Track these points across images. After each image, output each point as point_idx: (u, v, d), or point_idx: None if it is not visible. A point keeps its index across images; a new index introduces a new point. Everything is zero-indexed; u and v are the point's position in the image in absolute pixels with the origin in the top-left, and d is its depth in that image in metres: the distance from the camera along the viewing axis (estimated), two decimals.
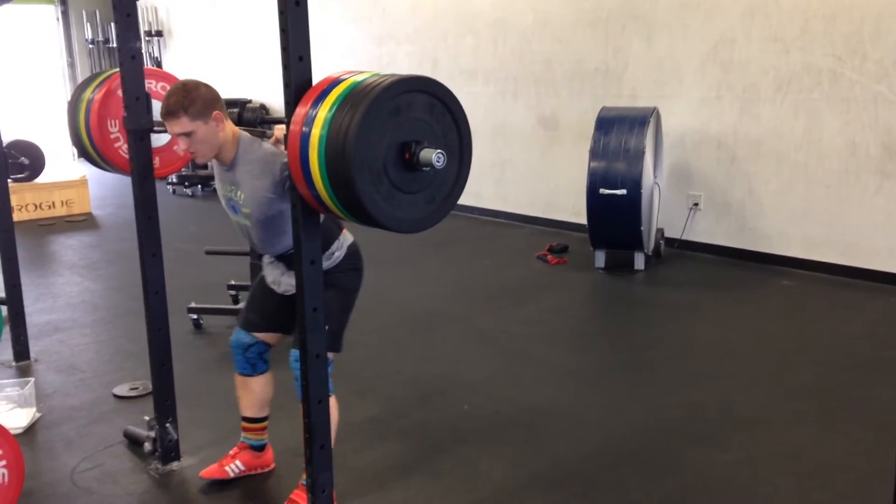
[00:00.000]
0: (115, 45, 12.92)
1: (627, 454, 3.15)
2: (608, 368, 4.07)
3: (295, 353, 2.59)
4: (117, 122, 3.04)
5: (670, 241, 6.16)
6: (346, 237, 2.77)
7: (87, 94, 3.06)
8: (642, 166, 5.37)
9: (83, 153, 3.22)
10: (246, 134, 2.66)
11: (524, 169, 7.30)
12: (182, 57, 12.15)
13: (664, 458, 3.11)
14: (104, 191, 9.83)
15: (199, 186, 9.81)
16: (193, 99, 2.50)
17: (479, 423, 3.40)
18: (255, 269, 4.88)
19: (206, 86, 2.57)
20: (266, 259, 2.86)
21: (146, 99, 2.82)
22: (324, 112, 1.96)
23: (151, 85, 3.03)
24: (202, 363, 4.20)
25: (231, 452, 3.02)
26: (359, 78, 2.02)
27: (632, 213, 5.40)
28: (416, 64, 7.94)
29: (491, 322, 4.76)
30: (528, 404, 3.61)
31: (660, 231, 5.99)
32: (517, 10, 7.08)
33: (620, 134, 5.47)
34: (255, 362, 2.88)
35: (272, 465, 3.09)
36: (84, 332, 4.72)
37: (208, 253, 5.29)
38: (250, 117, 4.78)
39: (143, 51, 12.24)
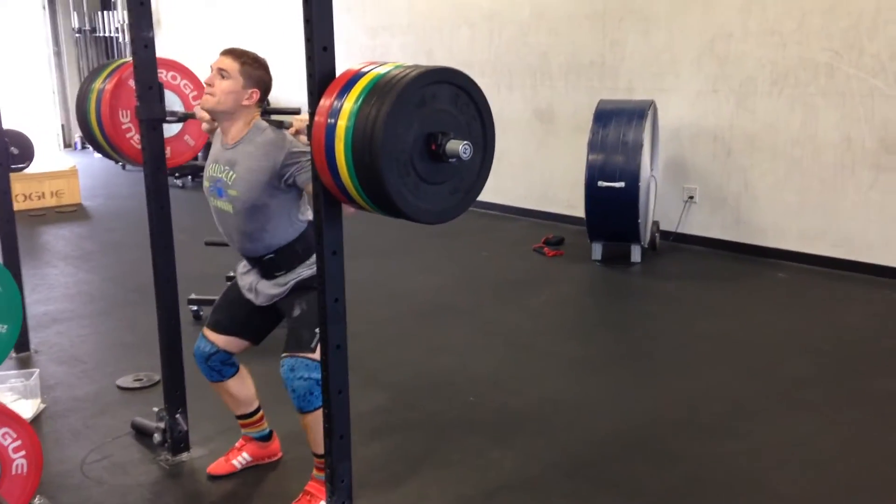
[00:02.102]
0: (101, 34, 12.78)
1: (635, 444, 3.18)
2: (611, 359, 4.10)
3: (289, 362, 2.57)
4: (129, 112, 3.02)
5: (665, 234, 6.20)
6: None
7: (98, 84, 3.04)
8: (640, 159, 5.40)
9: (93, 143, 3.19)
10: (262, 121, 2.64)
11: (519, 161, 7.32)
12: (175, 48, 12.05)
13: (671, 448, 3.14)
14: (93, 181, 9.75)
15: (190, 178, 9.75)
16: (256, 66, 2.57)
17: (487, 414, 3.42)
18: None
19: (271, 76, 2.63)
20: (240, 268, 2.81)
21: (159, 89, 2.80)
22: (349, 104, 1.94)
23: (163, 74, 3.01)
24: None
25: (237, 445, 3.03)
26: (382, 70, 2.01)
27: (630, 206, 5.43)
28: (410, 55, 7.92)
29: (493, 313, 4.77)
30: (536, 395, 3.63)
31: (655, 224, 6.03)
32: (513, 2, 7.09)
33: (619, 127, 5.49)
34: (219, 369, 2.84)
35: (279, 455, 3.10)
36: (83, 323, 4.70)
37: (208, 244, 5.26)
38: None
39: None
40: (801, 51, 5.42)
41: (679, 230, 6.21)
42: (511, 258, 6.06)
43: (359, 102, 1.93)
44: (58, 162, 9.23)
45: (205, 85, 2.57)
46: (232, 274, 5.03)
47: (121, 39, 12.25)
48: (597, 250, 5.82)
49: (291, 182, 2.54)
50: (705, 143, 6.03)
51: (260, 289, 2.71)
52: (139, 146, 2.89)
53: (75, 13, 12.52)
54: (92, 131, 3.08)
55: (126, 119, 3.02)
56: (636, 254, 5.74)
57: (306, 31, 2.10)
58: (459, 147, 1.92)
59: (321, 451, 2.48)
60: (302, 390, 2.57)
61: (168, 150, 3.04)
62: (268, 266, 2.66)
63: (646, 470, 2.98)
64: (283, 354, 2.59)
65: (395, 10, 8.09)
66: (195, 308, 4.66)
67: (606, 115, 5.60)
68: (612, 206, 5.49)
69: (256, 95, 2.58)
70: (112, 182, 9.81)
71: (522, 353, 4.16)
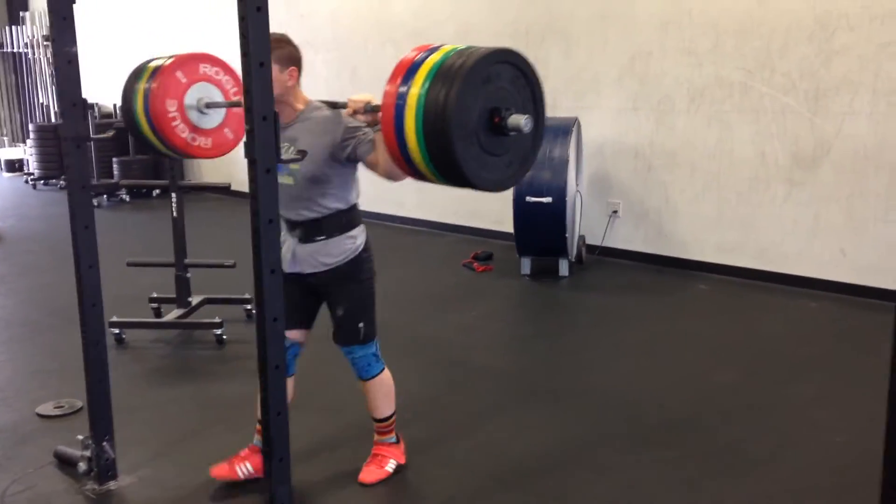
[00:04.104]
0: (9, 49, 12.29)
1: (568, 456, 3.21)
2: (544, 373, 4.14)
3: (345, 349, 2.89)
4: (175, 102, 3.12)
5: (591, 248, 6.32)
6: (364, 227, 2.90)
7: (142, 84, 3.14)
8: (567, 175, 5.50)
9: (139, 138, 3.27)
10: (317, 101, 2.79)
11: None
12: (84, 62, 11.70)
13: (604, 459, 3.18)
14: (3, 202, 9.37)
15: (105, 196, 9.46)
16: (282, 46, 2.67)
17: (419, 430, 3.39)
18: (181, 280, 4.76)
19: (297, 47, 2.76)
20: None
21: (83, 105, 2.72)
22: (416, 88, 2.02)
23: (207, 69, 3.16)
24: (129, 379, 4.04)
25: (242, 454, 3.02)
26: (446, 50, 2.08)
27: (557, 221, 5.52)
28: (334, 72, 7.90)
29: (426, 330, 4.77)
30: (468, 410, 3.64)
31: (582, 238, 6.14)
32: (438, 21, 7.14)
33: (545, 143, 5.52)
34: (290, 363, 2.92)
35: None
36: None
37: (130, 265, 5.11)
38: None
39: (41, 56, 11.73)
40: (716, 69, 5.63)
41: (604, 244, 6.34)
42: (440, 274, 6.07)
43: (427, 83, 2.01)
44: None
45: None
46: (155, 295, 4.94)
47: (30, 55, 11.82)
48: (525, 265, 5.89)
49: (353, 156, 2.70)
50: (627, 158, 6.18)
51: (299, 254, 2.82)
52: (184, 136, 3.09)
53: None
54: (139, 126, 3.16)
55: (173, 109, 3.13)
56: (564, 268, 5.83)
57: (242, 45, 2.08)
58: (522, 120, 2.03)
59: (379, 415, 2.99)
60: (361, 363, 2.90)
61: (209, 141, 3.17)
62: (310, 228, 2.79)
63: (580, 482, 3.01)
64: (338, 345, 2.91)
65: (320, 25, 8.05)
66: (117, 331, 4.50)
67: None
68: (540, 220, 5.57)
69: (295, 72, 2.73)
70: (23, 203, 9.43)
71: (453, 368, 4.17)
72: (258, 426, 2.94)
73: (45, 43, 11.67)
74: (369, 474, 2.98)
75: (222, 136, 3.26)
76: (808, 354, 4.29)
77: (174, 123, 3.10)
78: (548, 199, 5.50)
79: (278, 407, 2.29)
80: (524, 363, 4.30)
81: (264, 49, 2.09)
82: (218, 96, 3.20)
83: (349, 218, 2.82)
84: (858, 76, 5.01)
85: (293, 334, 2.86)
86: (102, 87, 11.12)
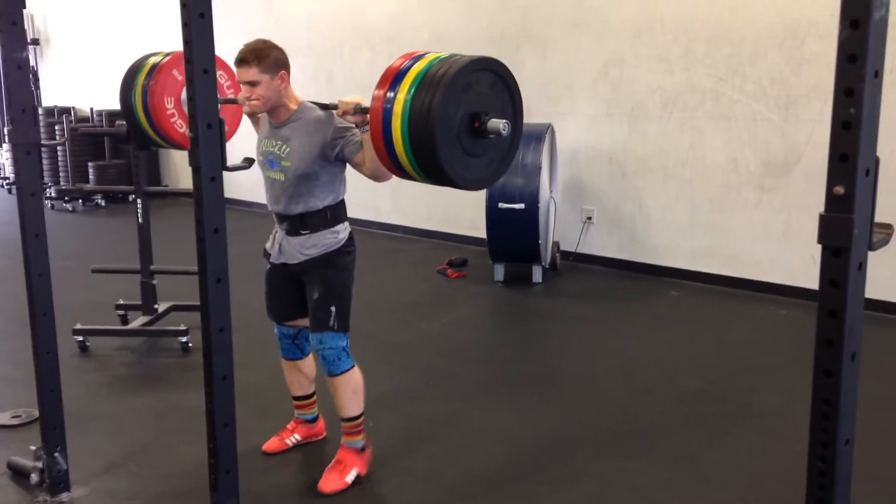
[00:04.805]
0: None
1: (534, 465, 3.19)
2: (512, 381, 4.12)
3: (316, 336, 2.92)
4: (173, 98, 3.29)
5: (566, 254, 6.31)
6: (348, 224, 3.02)
7: (140, 81, 3.35)
8: (539, 181, 5.48)
9: (138, 133, 3.45)
10: (309, 102, 2.90)
11: (422, 183, 7.31)
12: (59, 66, 11.60)
13: (570, 468, 3.16)
14: None
15: (80, 201, 9.38)
16: (267, 54, 2.77)
17: (384, 439, 3.36)
18: (147, 287, 4.70)
19: (281, 49, 2.84)
20: (269, 241, 3.07)
21: (33, 112, 2.67)
22: (403, 93, 2.15)
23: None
24: (90, 387, 3.99)
25: (288, 427, 3.33)
26: (430, 59, 2.19)
27: (530, 227, 5.51)
28: (310, 76, 7.86)
29: (394, 337, 4.74)
30: (436, 419, 3.61)
31: (556, 244, 6.13)
32: (413, 26, 7.13)
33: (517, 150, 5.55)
34: (302, 346, 3.20)
35: (325, 434, 3.39)
36: None
37: (95, 271, 5.05)
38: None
39: None
40: (688, 77, 5.63)
41: (579, 250, 6.33)
42: (414, 280, 6.04)
43: (412, 90, 2.13)
44: None
45: (243, 100, 2.85)
46: (122, 302, 4.88)
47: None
48: (499, 271, 5.87)
49: (341, 156, 2.82)
50: (601, 164, 6.18)
51: (285, 247, 2.97)
52: (182, 130, 3.22)
53: None
54: (138, 121, 3.35)
55: (171, 105, 3.29)
56: (538, 274, 5.81)
57: (186, 52, 2.04)
58: (500, 125, 2.15)
59: (346, 414, 3.00)
60: (331, 356, 2.92)
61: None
62: (297, 222, 2.91)
63: (546, 491, 2.98)
64: (311, 332, 2.95)
65: (295, 31, 8.01)
66: (80, 339, 4.44)
67: None
68: (513, 227, 5.55)
69: (286, 75, 2.83)
70: None
71: (421, 376, 4.13)
72: (295, 402, 3.31)
73: None
74: (329, 483, 2.96)
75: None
76: (775, 362, 4.29)
77: (172, 119, 3.29)
78: (520, 206, 5.48)
79: (225, 418, 2.25)
80: (491, 371, 4.27)
81: (208, 56, 2.05)
82: None
83: (334, 214, 2.93)
84: (829, 84, 4.96)
85: (296, 323, 3.13)
86: (81, 92, 11.04)
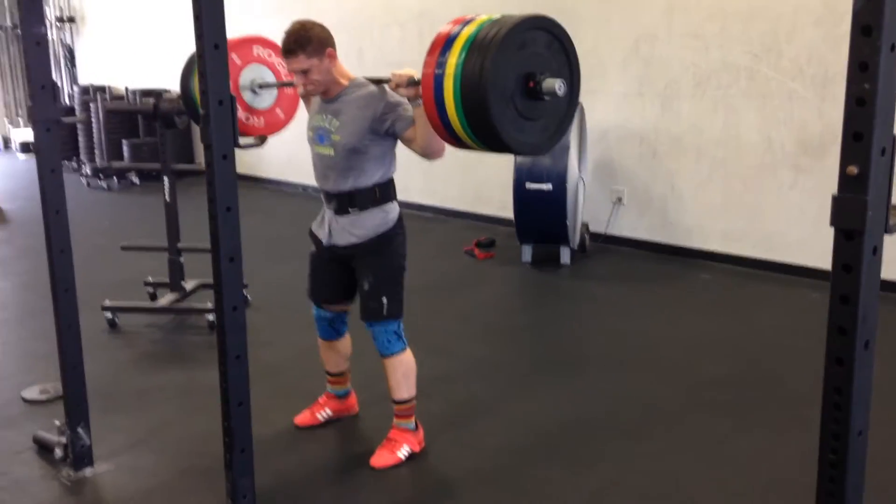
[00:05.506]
0: None
1: (555, 448, 3.16)
2: (536, 363, 4.08)
3: (368, 323, 2.93)
4: (231, 83, 3.34)
5: (595, 236, 6.23)
6: (397, 205, 2.98)
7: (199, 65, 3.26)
8: (567, 161, 5.41)
9: (196, 118, 3.35)
10: (362, 78, 2.88)
11: (452, 162, 7.23)
12: (96, 44, 11.72)
13: (588, 452, 3.13)
14: (13, 183, 9.44)
15: (115, 179, 9.49)
16: (310, 38, 2.74)
17: None
18: (175, 265, 4.73)
19: (321, 26, 2.81)
20: (317, 220, 3.05)
21: (52, 88, 2.68)
22: (454, 58, 2.06)
23: (260, 51, 3.20)
24: (117, 364, 4.05)
25: (320, 401, 3.35)
26: (476, 27, 2.09)
27: (557, 208, 5.44)
28: (341, 54, 7.80)
29: (420, 318, 4.68)
30: (457, 400, 3.59)
31: (585, 225, 6.05)
32: (443, 3, 7.04)
33: None
34: (339, 328, 3.21)
35: (356, 409, 3.42)
36: None
37: (124, 249, 5.11)
38: (167, 108, 4.61)
39: (55, 37, 11.76)
40: (722, 54, 5.50)
41: (608, 231, 6.25)
42: (442, 261, 6.02)
43: (464, 53, 2.04)
44: None
45: (299, 86, 2.85)
46: (150, 279, 4.92)
47: (48, 36, 11.87)
48: (527, 252, 5.81)
49: (392, 131, 2.79)
50: (632, 144, 6.07)
51: (334, 227, 2.94)
52: (239, 115, 3.06)
53: None
54: (194, 103, 3.22)
55: None
56: (566, 256, 5.75)
57: (196, 28, 2.03)
58: (556, 84, 2.04)
59: (397, 396, 3.00)
60: (382, 339, 2.94)
61: (262, 121, 3.23)
62: (345, 200, 2.88)
63: (563, 474, 2.96)
64: (363, 320, 2.95)
65: (325, 8, 7.96)
66: (109, 315, 4.49)
67: None
68: (541, 207, 5.49)
69: (332, 51, 2.81)
70: (34, 184, 9.45)
71: (445, 357, 4.11)
72: (328, 377, 3.31)
73: (58, 24, 11.71)
74: (380, 458, 2.99)
75: (274, 116, 3.33)
76: (805, 347, 4.16)
77: None
78: (548, 186, 5.42)
79: (239, 397, 2.26)
80: (516, 353, 4.24)
81: (219, 31, 2.03)
82: (270, 77, 3.27)
83: (383, 192, 2.90)
84: None
85: (335, 307, 3.14)
86: (117, 70, 11.16)
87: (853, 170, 1.09)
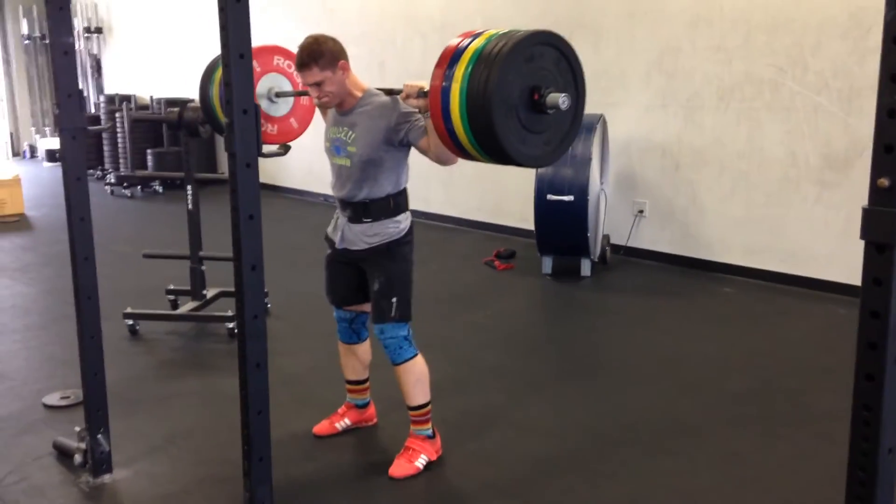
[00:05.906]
0: None
1: (574, 461, 3.13)
2: (555, 375, 4.06)
3: (378, 327, 2.96)
4: None
5: (616, 248, 6.20)
6: (409, 214, 3.06)
7: (218, 74, 3.29)
8: (589, 173, 5.39)
9: (214, 125, 3.49)
10: (374, 89, 2.93)
11: (473, 173, 7.28)
12: (122, 54, 11.86)
13: (610, 466, 3.10)
14: (39, 190, 9.55)
15: (139, 187, 9.58)
16: (322, 52, 2.79)
17: None
18: (196, 273, 4.76)
19: (333, 39, 2.86)
20: (331, 225, 3.11)
21: (78, 97, 2.70)
22: (461, 71, 2.10)
23: (279, 62, 3.27)
24: (138, 371, 4.06)
25: (339, 411, 3.36)
26: (483, 40, 2.12)
27: (578, 220, 5.42)
28: (363, 67, 7.83)
29: (439, 328, 4.71)
30: (477, 412, 3.57)
31: (606, 237, 6.02)
32: (466, 15, 7.07)
33: None
34: (359, 331, 3.22)
35: (375, 420, 3.43)
36: (14, 337, 4.54)
37: (146, 256, 5.14)
38: (192, 117, 4.65)
39: (83, 48, 11.92)
40: (746, 66, 5.46)
41: (629, 244, 6.22)
42: (461, 272, 6.01)
43: (470, 66, 2.08)
44: (1, 171, 8.99)
45: (315, 98, 2.90)
46: (172, 287, 4.95)
47: (76, 46, 12.03)
48: (547, 264, 5.79)
49: (406, 141, 2.84)
50: (654, 157, 6.04)
51: (347, 234, 3.00)
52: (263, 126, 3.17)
53: (25, 20, 12.28)
54: (213, 112, 3.35)
55: None
56: (586, 268, 5.72)
57: (222, 37, 2.04)
58: (560, 98, 2.07)
59: (411, 402, 3.01)
60: (392, 345, 2.97)
61: (276, 128, 3.28)
62: (360, 210, 2.94)
63: (584, 488, 2.93)
64: (373, 322, 3.00)
65: (348, 20, 8.03)
66: (131, 322, 4.52)
67: None
68: (561, 219, 5.47)
69: (345, 63, 2.85)
70: (58, 192, 9.54)
71: (464, 368, 4.10)
72: (347, 386, 3.32)
73: (85, 35, 11.87)
74: (398, 468, 2.99)
75: (287, 125, 3.37)
76: (830, 363, 4.13)
77: None
78: (569, 198, 5.40)
79: (259, 406, 2.26)
80: (534, 365, 4.22)
81: (245, 40, 2.04)
82: (287, 87, 3.31)
83: (397, 203, 2.96)
84: None
85: (354, 308, 3.16)
86: (143, 80, 11.28)
87: (884, 182, 1.06)
